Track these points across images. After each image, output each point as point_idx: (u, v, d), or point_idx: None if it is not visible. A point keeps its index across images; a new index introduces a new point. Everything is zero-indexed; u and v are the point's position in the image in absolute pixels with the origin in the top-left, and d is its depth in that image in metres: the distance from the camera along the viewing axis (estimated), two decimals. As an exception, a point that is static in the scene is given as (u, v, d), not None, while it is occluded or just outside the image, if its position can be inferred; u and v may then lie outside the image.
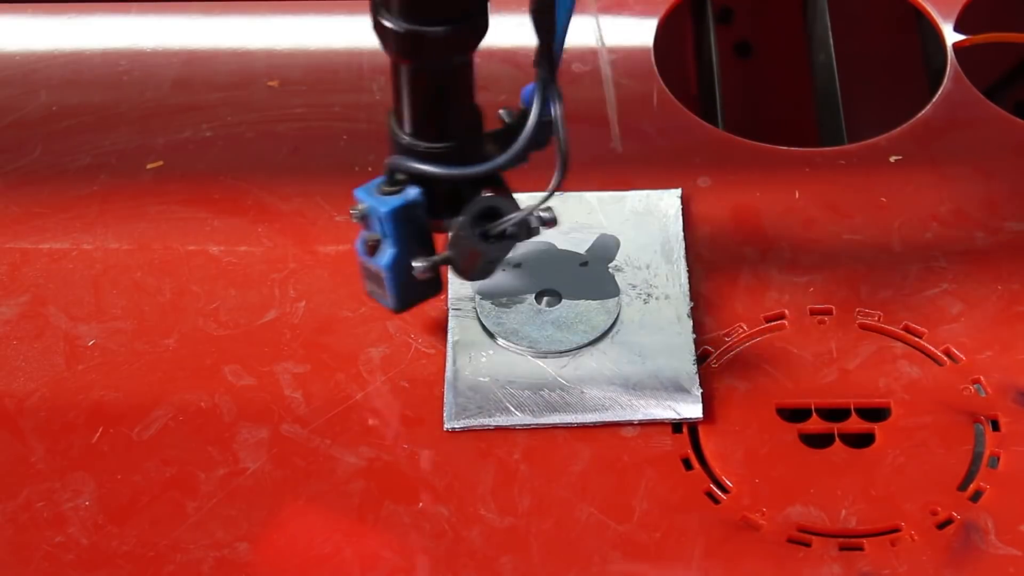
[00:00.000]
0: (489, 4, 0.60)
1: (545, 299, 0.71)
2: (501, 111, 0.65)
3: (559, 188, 0.62)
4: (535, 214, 0.65)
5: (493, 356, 0.69)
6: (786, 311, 0.71)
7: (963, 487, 0.64)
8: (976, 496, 0.64)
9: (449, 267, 0.66)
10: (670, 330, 0.70)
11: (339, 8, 0.88)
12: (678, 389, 0.67)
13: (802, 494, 0.64)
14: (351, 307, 0.72)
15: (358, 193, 0.64)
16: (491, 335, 0.70)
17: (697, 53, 0.97)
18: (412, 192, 0.63)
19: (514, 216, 0.64)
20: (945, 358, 0.69)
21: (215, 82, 0.85)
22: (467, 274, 0.66)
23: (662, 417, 0.66)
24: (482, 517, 0.63)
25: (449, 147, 0.63)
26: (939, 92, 0.82)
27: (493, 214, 0.64)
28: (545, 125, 0.62)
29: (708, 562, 0.62)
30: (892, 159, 0.78)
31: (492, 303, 0.71)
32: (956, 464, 0.65)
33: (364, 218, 0.64)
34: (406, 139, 0.63)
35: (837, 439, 0.66)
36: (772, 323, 0.70)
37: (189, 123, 0.82)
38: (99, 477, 0.65)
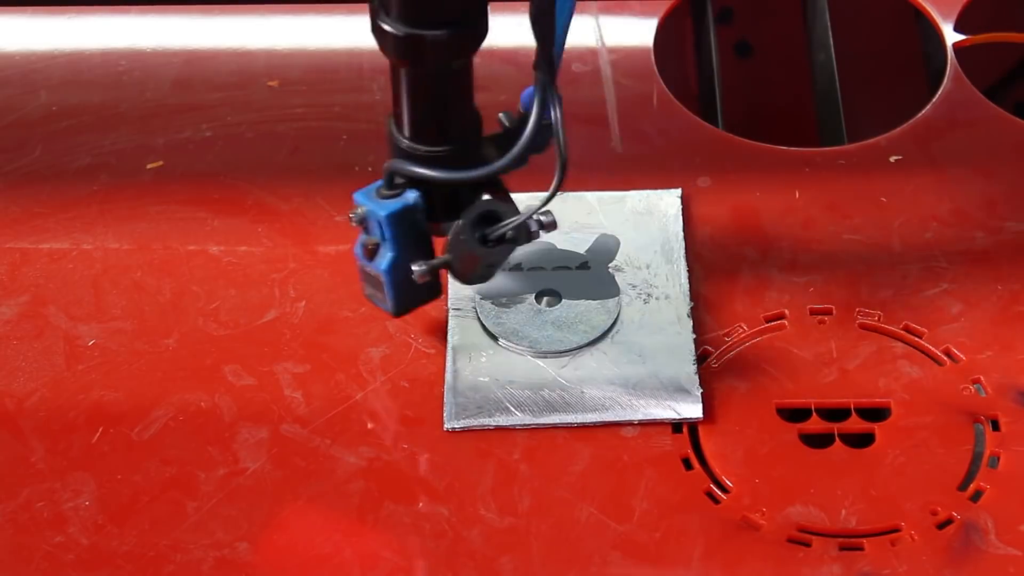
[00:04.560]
0: (488, 7, 0.60)
1: (545, 299, 0.71)
2: (500, 115, 0.65)
3: (558, 191, 0.62)
4: (535, 218, 0.64)
5: (493, 356, 0.69)
6: (786, 311, 0.71)
7: (963, 487, 0.64)
8: (976, 496, 0.64)
9: (448, 271, 0.66)
10: (670, 330, 0.70)
11: (339, 8, 0.88)
12: (678, 389, 0.67)
13: (802, 494, 0.64)
14: (351, 307, 0.72)
15: (357, 196, 0.64)
16: (491, 335, 0.70)
17: (697, 53, 0.97)
18: (411, 196, 0.63)
19: (513, 220, 0.64)
20: (945, 358, 0.69)
21: (215, 82, 0.85)
22: (466, 278, 0.66)
23: (662, 417, 0.66)
24: (482, 517, 0.63)
25: (448, 151, 0.62)
26: (939, 92, 0.82)
27: (492, 218, 0.64)
28: (545, 129, 0.62)
29: (708, 562, 0.62)
30: (892, 159, 0.78)
31: (492, 303, 0.71)
32: (956, 464, 0.65)
33: (363, 222, 0.64)
34: (405, 143, 0.63)
35: (837, 439, 0.66)
36: (772, 323, 0.70)
37: (189, 123, 0.82)
38: (99, 477, 0.65)
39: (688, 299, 0.71)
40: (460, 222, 0.64)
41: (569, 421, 0.66)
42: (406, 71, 0.61)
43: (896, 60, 0.98)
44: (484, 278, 0.67)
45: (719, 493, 0.64)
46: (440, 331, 0.70)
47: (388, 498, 0.64)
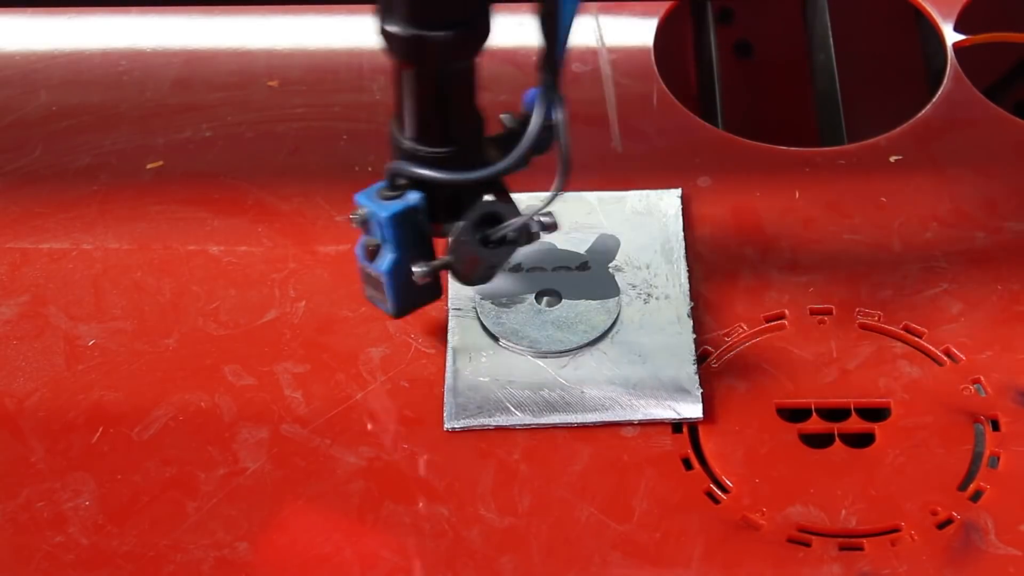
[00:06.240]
0: (490, 8, 0.60)
1: (545, 299, 0.71)
2: (502, 115, 0.65)
3: (560, 192, 0.62)
4: (536, 219, 0.64)
5: (493, 356, 0.69)
6: (786, 311, 0.71)
7: (963, 487, 0.64)
8: (976, 496, 0.64)
9: (449, 272, 0.66)
10: (670, 330, 0.70)
11: (339, 8, 0.88)
12: (678, 389, 0.67)
13: (802, 494, 0.64)
14: (351, 307, 0.72)
15: (358, 198, 0.64)
16: (491, 335, 0.70)
17: (697, 53, 0.97)
18: (413, 197, 0.63)
19: (515, 222, 0.64)
20: (945, 358, 0.69)
21: (215, 82, 0.85)
22: (467, 279, 0.66)
23: (662, 417, 0.66)
24: (482, 517, 0.63)
25: (451, 152, 0.62)
26: (939, 92, 0.82)
27: (493, 219, 0.64)
28: (547, 130, 0.62)
29: (708, 562, 0.62)
30: (892, 159, 0.78)
31: (492, 303, 0.71)
32: (956, 464, 0.65)
33: (364, 223, 0.64)
34: (407, 144, 0.63)
35: (837, 439, 0.66)
36: (772, 323, 0.70)
37: (189, 123, 0.82)
38: (99, 477, 0.65)
39: (688, 299, 0.71)
40: (462, 223, 0.64)
41: (569, 421, 0.66)
42: (409, 72, 0.61)
43: (896, 60, 0.98)
44: (485, 279, 0.67)
45: (719, 493, 0.64)
46: (440, 331, 0.70)
47: (388, 498, 0.64)
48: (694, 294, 0.71)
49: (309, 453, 0.66)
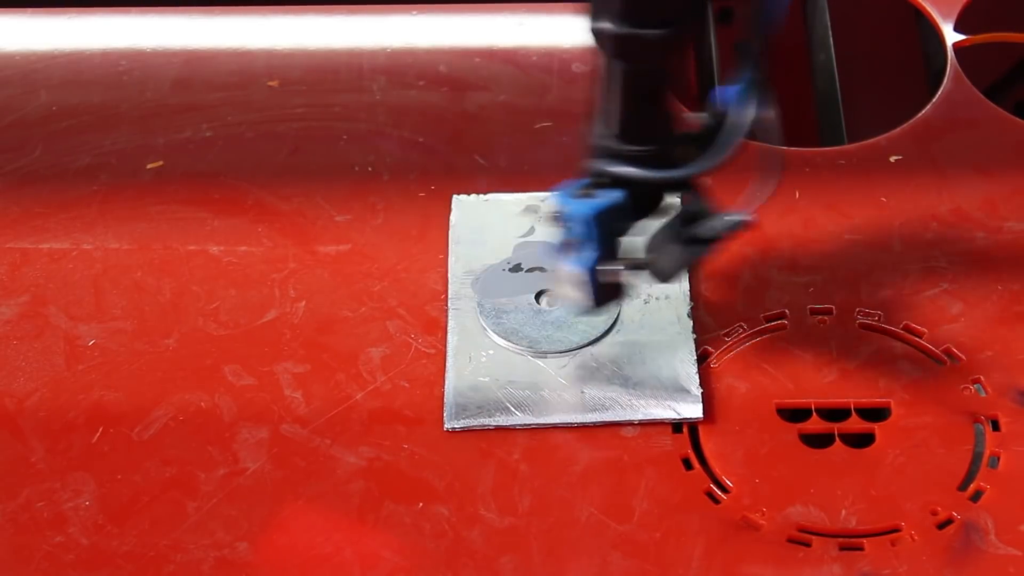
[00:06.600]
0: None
1: (545, 299, 0.71)
2: (689, 113, 0.64)
3: (771, 190, 0.61)
4: (736, 218, 0.63)
5: (493, 356, 0.69)
6: (786, 311, 0.71)
7: (963, 487, 0.64)
8: (976, 496, 0.64)
9: (645, 270, 0.65)
10: (670, 330, 0.70)
11: (339, 8, 0.88)
12: (678, 389, 0.67)
13: (802, 494, 0.64)
14: (351, 307, 0.72)
15: (557, 197, 0.63)
16: (491, 335, 0.70)
17: (697, 53, 0.97)
18: (616, 195, 0.62)
19: (715, 219, 0.63)
20: (945, 358, 0.69)
21: (215, 82, 0.85)
22: (664, 276, 0.65)
23: (662, 417, 0.66)
24: (482, 517, 0.63)
25: (653, 150, 0.62)
26: (939, 92, 0.82)
27: (694, 217, 0.63)
28: (741, 128, 0.61)
29: (708, 562, 0.62)
30: (892, 159, 0.78)
31: (492, 303, 0.71)
32: (956, 464, 0.65)
33: (557, 221, 0.63)
34: (609, 142, 0.62)
35: (837, 439, 0.66)
36: (772, 323, 0.70)
37: (189, 123, 0.82)
38: (99, 477, 0.65)
39: (688, 299, 0.71)
40: (665, 221, 0.63)
41: (569, 421, 0.66)
42: (620, 70, 0.60)
43: (896, 60, 0.98)
44: (678, 277, 0.66)
45: (719, 493, 0.64)
46: (440, 331, 0.70)
47: (388, 498, 0.64)
48: (694, 294, 0.71)
49: (309, 453, 0.66)
